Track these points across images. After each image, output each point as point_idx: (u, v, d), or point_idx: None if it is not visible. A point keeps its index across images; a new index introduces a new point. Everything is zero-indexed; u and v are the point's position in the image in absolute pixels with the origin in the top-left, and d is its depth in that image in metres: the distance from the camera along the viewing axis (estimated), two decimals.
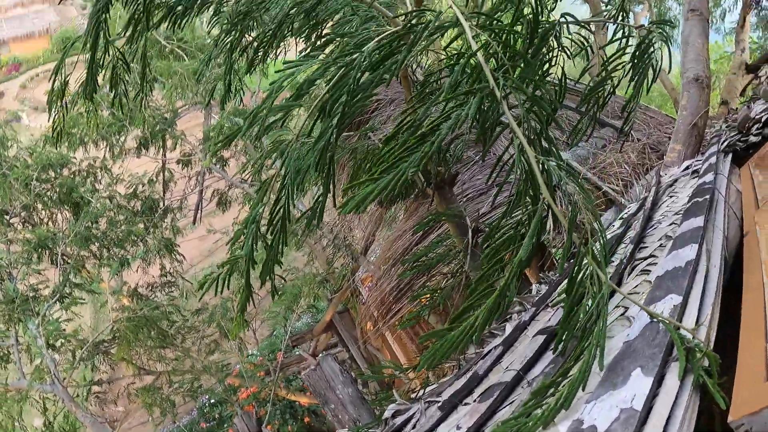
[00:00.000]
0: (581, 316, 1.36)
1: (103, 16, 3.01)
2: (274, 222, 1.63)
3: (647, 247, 2.61)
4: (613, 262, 2.66)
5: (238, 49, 2.85)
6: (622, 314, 1.75)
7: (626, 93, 2.77)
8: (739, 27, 8.93)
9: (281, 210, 1.62)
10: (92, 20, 3.01)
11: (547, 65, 2.22)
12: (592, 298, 1.34)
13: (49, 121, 3.58)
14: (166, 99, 10.04)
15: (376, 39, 1.69)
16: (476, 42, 1.63)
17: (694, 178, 3.65)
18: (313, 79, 1.60)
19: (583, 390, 1.23)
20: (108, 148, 10.24)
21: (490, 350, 2.26)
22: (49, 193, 8.56)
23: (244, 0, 2.49)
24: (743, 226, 2.53)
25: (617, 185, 5.16)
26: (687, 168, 4.13)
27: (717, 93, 11.68)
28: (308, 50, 2.49)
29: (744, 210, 2.72)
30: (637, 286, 2.08)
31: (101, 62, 3.17)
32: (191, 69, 9.39)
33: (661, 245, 2.49)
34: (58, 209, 8.83)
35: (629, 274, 2.34)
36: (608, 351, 1.41)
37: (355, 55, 1.61)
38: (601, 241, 1.44)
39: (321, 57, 2.15)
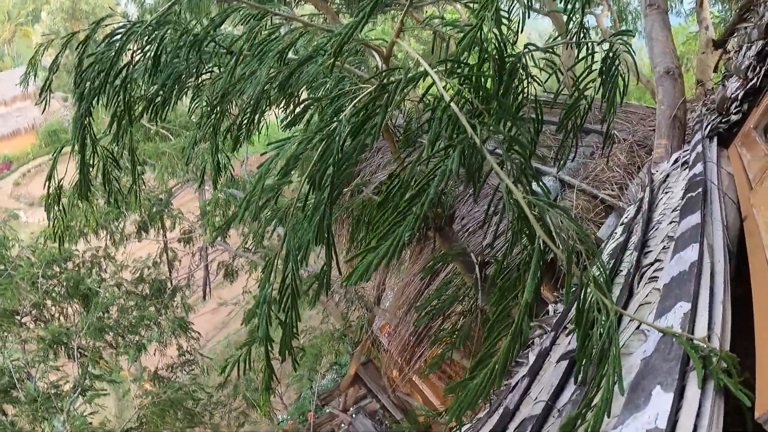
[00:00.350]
0: (596, 342, 1.38)
1: (87, 119, 3.10)
2: (284, 299, 1.67)
3: (652, 251, 2.62)
4: (621, 271, 2.67)
5: (221, 129, 2.92)
6: (637, 328, 1.76)
7: (604, 97, 2.80)
8: (698, 6, 8.98)
9: (289, 287, 1.66)
10: (77, 125, 3.10)
11: (520, 96, 2.28)
12: (601, 326, 1.37)
13: (49, 225, 3.63)
14: (158, 180, 10.17)
15: (352, 104, 1.75)
16: (447, 91, 1.69)
17: (684, 169, 3.67)
18: (298, 155, 1.66)
19: (608, 417, 1.24)
20: (108, 236, 10.34)
21: (518, 382, 2.26)
22: (56, 289, 8.58)
23: (220, 83, 2.58)
24: (741, 210, 2.54)
25: (612, 189, 5.20)
26: (676, 161, 4.16)
27: (691, 74, 11.76)
28: (288, 118, 2.58)
29: (739, 193, 2.72)
30: (647, 295, 2.09)
31: (91, 160, 3.25)
32: (178, 147, 9.55)
33: (664, 248, 2.50)
34: (67, 303, 8.84)
35: (638, 283, 2.35)
36: (628, 369, 1.43)
37: (334, 125, 1.66)
38: (600, 266, 1.47)
39: (303, 123, 2.22)
